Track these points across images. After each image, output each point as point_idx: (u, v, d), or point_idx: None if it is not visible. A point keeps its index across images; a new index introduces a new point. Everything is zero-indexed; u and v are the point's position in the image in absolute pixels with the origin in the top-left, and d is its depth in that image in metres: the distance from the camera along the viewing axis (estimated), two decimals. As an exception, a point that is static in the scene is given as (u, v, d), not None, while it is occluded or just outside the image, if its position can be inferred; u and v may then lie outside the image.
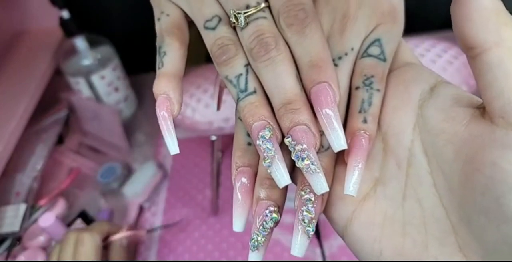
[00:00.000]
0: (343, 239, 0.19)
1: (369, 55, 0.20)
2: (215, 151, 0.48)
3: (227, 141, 0.65)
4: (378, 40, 0.20)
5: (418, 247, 0.17)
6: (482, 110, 0.16)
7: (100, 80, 0.65)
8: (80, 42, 0.63)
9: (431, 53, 0.43)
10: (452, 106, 0.17)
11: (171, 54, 0.20)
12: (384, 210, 0.18)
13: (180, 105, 0.20)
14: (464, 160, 0.16)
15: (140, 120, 0.74)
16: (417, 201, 0.18)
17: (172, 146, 0.19)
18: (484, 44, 0.15)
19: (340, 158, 0.20)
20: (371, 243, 0.18)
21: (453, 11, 0.16)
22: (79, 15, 0.64)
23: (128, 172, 0.64)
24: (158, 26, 0.21)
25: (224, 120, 0.43)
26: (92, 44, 0.64)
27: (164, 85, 0.20)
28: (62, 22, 0.60)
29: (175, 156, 0.67)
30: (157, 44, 0.21)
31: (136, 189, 0.59)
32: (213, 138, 0.46)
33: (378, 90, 0.19)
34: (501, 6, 0.15)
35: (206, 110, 0.43)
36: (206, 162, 0.62)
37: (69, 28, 0.61)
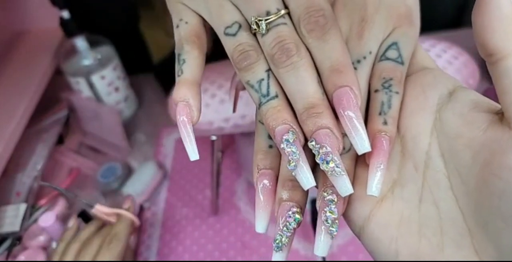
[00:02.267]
0: (359, 239, 0.20)
1: (387, 59, 0.20)
2: (215, 151, 0.48)
3: (227, 141, 0.65)
4: (395, 43, 0.21)
5: (434, 249, 0.17)
6: (500, 116, 0.17)
7: (100, 80, 0.65)
8: (80, 42, 0.63)
9: (431, 53, 0.43)
10: (470, 112, 0.18)
11: (190, 62, 0.21)
12: (401, 211, 0.19)
13: (199, 112, 0.20)
14: (482, 164, 0.16)
15: (140, 120, 0.74)
16: (433, 203, 0.18)
17: (192, 152, 0.20)
18: (504, 51, 0.15)
19: (358, 159, 0.20)
20: (387, 244, 0.18)
21: (474, 19, 0.16)
22: (79, 15, 0.64)
23: (128, 172, 0.64)
24: (177, 34, 0.22)
25: (224, 121, 0.43)
26: (92, 44, 0.64)
27: (184, 93, 0.20)
28: (62, 22, 0.60)
29: (175, 156, 0.67)
30: (176, 51, 0.21)
31: (136, 189, 0.59)
32: (213, 138, 0.46)
33: (397, 92, 0.20)
34: None
35: (206, 110, 0.43)
36: (206, 162, 0.62)
37: (69, 28, 0.61)
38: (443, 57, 0.43)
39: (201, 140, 0.66)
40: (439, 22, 0.68)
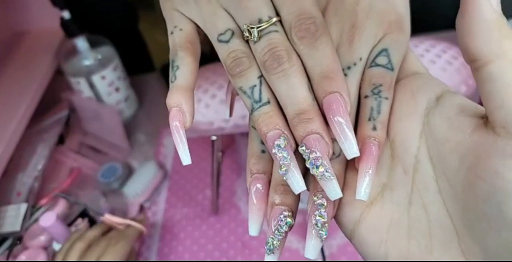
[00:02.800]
0: (350, 241, 0.20)
1: (377, 65, 0.21)
2: (215, 151, 0.48)
3: (227, 141, 0.65)
4: (385, 50, 0.21)
5: (423, 251, 0.17)
6: (485, 120, 0.17)
7: (100, 80, 0.65)
8: (81, 43, 0.63)
9: (430, 54, 0.43)
10: (457, 116, 0.18)
11: (184, 68, 0.21)
12: (391, 214, 0.19)
13: (192, 117, 0.21)
14: (468, 167, 0.16)
15: (140, 120, 0.74)
16: (422, 206, 0.18)
17: (185, 156, 0.20)
18: (487, 56, 0.16)
19: (348, 164, 0.21)
20: (377, 246, 0.18)
21: (458, 25, 0.16)
22: (80, 16, 0.64)
23: (128, 172, 0.64)
24: (171, 40, 0.22)
25: (224, 121, 0.43)
26: (93, 44, 0.64)
27: (177, 98, 0.20)
28: (63, 23, 0.61)
29: (175, 156, 0.67)
30: (170, 58, 0.22)
31: (136, 188, 0.59)
32: (214, 138, 0.46)
33: (387, 98, 0.20)
34: (503, 20, 0.16)
35: (207, 111, 0.43)
36: (206, 161, 0.63)
37: (70, 29, 0.61)
38: (443, 57, 0.43)
39: (201, 140, 0.66)
40: (439, 22, 0.68)
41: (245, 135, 0.53)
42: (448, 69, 0.42)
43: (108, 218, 0.51)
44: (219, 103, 0.43)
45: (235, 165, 0.64)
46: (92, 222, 0.57)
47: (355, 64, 0.21)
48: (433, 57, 0.43)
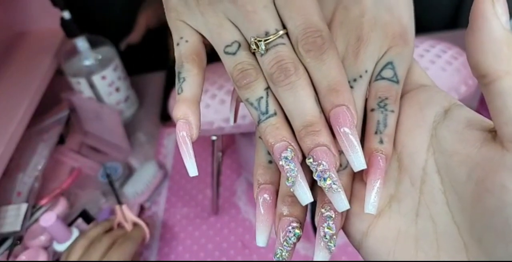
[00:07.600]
0: (358, 252, 0.20)
1: (383, 78, 0.21)
2: (215, 150, 0.49)
3: (227, 141, 0.65)
4: (390, 63, 0.21)
5: None
6: (493, 134, 0.17)
7: (101, 80, 0.65)
8: (81, 43, 0.63)
9: (430, 54, 0.43)
10: (465, 129, 0.18)
11: (190, 80, 0.21)
12: (398, 225, 0.19)
13: (198, 129, 0.21)
14: (476, 181, 0.17)
15: (140, 121, 0.74)
16: (430, 217, 0.18)
17: (192, 168, 0.20)
18: (496, 73, 0.16)
19: (356, 175, 0.21)
20: (385, 257, 0.19)
21: (467, 41, 0.16)
22: (80, 16, 0.64)
23: (128, 172, 0.64)
24: (177, 52, 0.22)
25: (224, 121, 0.43)
26: (93, 44, 0.64)
27: (184, 111, 0.21)
28: (63, 23, 0.61)
29: (176, 156, 0.67)
30: (176, 69, 0.22)
31: (136, 188, 0.59)
32: (214, 138, 0.47)
33: (393, 111, 0.20)
34: None
35: (207, 111, 0.43)
36: (206, 161, 0.63)
37: (70, 29, 0.61)
38: (443, 57, 0.43)
39: (201, 139, 0.66)
40: (438, 22, 0.68)
41: (245, 135, 0.53)
42: (448, 69, 0.42)
43: (124, 210, 0.51)
44: (219, 103, 0.43)
45: (235, 165, 0.64)
46: (89, 220, 0.58)
47: (361, 76, 0.21)
48: (433, 57, 0.43)
